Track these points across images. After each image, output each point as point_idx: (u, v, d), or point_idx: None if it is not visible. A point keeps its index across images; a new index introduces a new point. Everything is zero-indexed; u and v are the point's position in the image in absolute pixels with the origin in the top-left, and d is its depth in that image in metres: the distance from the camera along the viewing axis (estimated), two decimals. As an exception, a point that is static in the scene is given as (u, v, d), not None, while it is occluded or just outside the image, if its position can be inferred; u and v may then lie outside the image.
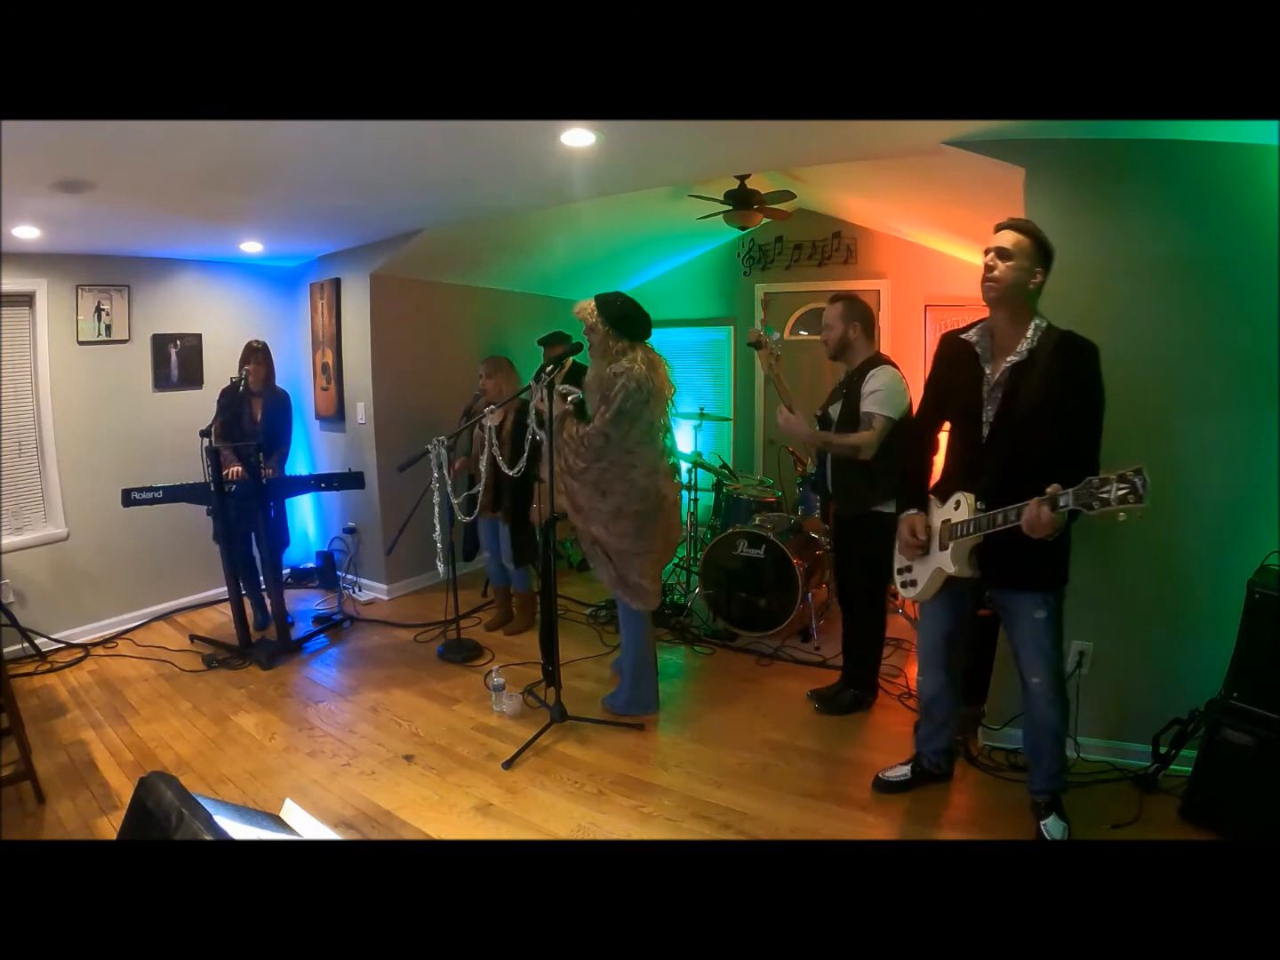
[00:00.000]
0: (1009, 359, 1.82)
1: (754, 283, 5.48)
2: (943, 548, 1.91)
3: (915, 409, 2.67)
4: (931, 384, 2.08)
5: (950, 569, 1.88)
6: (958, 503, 1.87)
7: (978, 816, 2.18)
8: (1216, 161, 2.11)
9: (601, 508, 2.67)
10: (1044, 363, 1.78)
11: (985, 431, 1.86)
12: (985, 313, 1.92)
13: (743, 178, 3.87)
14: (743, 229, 4.61)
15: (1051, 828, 1.98)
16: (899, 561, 2.11)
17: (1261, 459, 2.11)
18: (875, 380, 2.57)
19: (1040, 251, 1.79)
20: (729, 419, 5.47)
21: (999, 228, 1.83)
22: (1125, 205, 2.24)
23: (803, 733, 2.70)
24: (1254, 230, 2.06)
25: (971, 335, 1.93)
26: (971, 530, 1.81)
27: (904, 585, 2.10)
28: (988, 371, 1.86)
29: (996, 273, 1.79)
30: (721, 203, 4.06)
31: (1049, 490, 1.60)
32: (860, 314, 2.71)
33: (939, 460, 2.10)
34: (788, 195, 4.08)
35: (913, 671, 3.13)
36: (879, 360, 2.65)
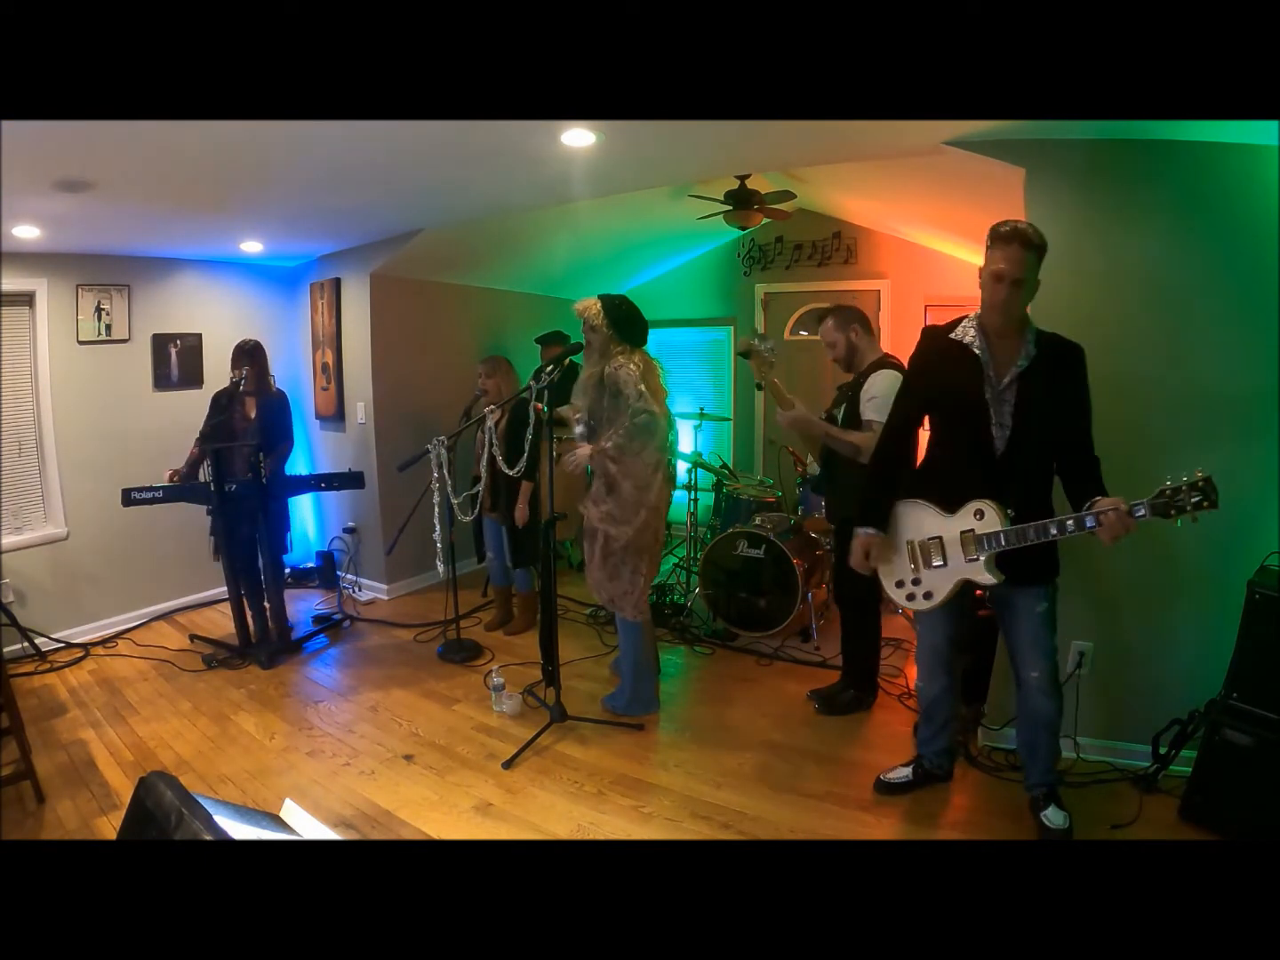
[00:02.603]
0: (1017, 364, 1.79)
1: (754, 283, 5.48)
2: (970, 559, 1.85)
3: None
4: (917, 385, 2.00)
5: (988, 580, 1.83)
6: (979, 512, 1.82)
7: (978, 816, 2.18)
8: (1216, 161, 2.11)
9: (611, 505, 2.67)
10: (1047, 368, 1.78)
11: (1000, 436, 1.82)
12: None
13: (743, 178, 3.87)
14: (743, 229, 4.60)
15: (1053, 817, 1.98)
16: (902, 573, 2.00)
17: (1262, 460, 2.11)
18: (874, 386, 2.55)
19: (1039, 257, 1.74)
20: (729, 419, 5.47)
21: (1000, 238, 1.74)
22: (1125, 205, 2.24)
23: (803, 733, 2.70)
24: (1254, 231, 2.06)
25: (965, 335, 1.86)
26: (1013, 541, 1.77)
27: (911, 598, 2.00)
28: (990, 374, 1.82)
29: (1012, 304, 1.75)
30: (721, 203, 4.06)
31: (1102, 502, 1.65)
32: (853, 316, 2.71)
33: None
34: (788, 195, 4.08)
35: (913, 672, 3.13)
36: (883, 362, 2.63)
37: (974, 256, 4.54)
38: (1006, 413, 1.81)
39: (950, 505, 1.88)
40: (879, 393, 2.53)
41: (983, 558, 1.82)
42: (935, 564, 1.92)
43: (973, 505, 1.83)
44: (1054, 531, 1.71)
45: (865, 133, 2.38)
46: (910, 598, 2.00)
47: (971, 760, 2.42)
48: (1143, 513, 1.61)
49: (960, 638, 2.12)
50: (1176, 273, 2.19)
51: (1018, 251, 1.71)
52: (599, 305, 2.64)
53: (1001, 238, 1.74)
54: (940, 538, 1.91)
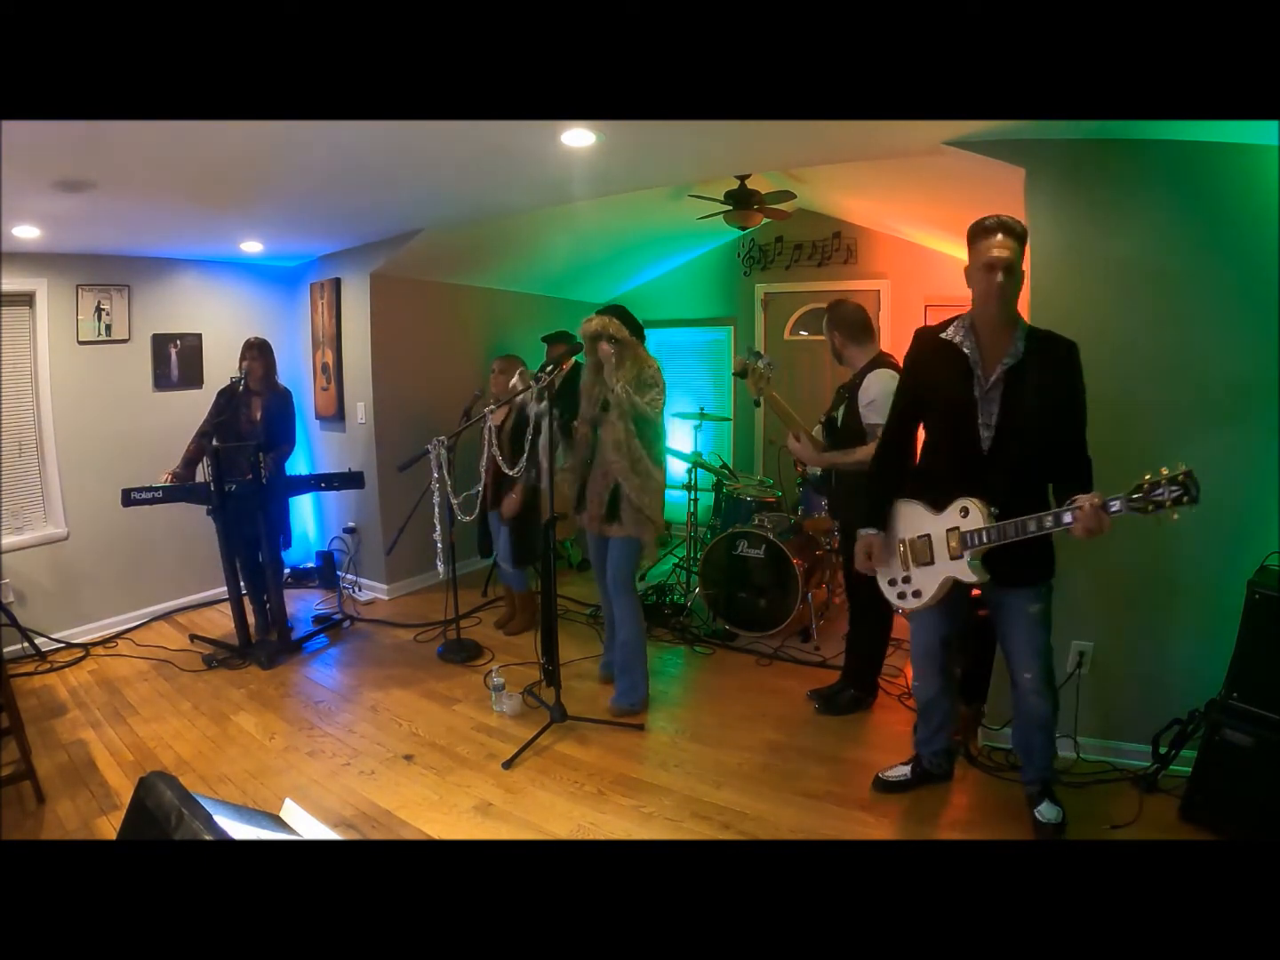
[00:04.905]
0: (1004, 361, 1.79)
1: (754, 283, 5.48)
2: (954, 557, 1.85)
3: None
4: (910, 386, 2.02)
5: (970, 578, 1.84)
6: (965, 510, 1.83)
7: (978, 816, 2.18)
8: (1216, 161, 2.11)
9: (648, 484, 2.71)
10: (1036, 365, 1.77)
11: (986, 435, 1.82)
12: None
13: (743, 178, 3.87)
14: (743, 229, 4.61)
15: (1045, 812, 2.00)
16: (894, 571, 2.03)
17: (1261, 460, 2.11)
18: (870, 389, 2.54)
19: (1023, 247, 1.75)
20: (729, 419, 5.47)
21: (985, 230, 1.74)
22: (1125, 205, 2.24)
23: (803, 733, 2.70)
24: (1254, 230, 2.06)
25: (954, 335, 1.87)
26: (995, 538, 1.77)
27: (902, 596, 2.02)
28: (978, 374, 1.82)
29: (1007, 293, 1.74)
30: (721, 203, 4.06)
31: (1080, 497, 1.61)
32: (837, 321, 2.70)
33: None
34: (788, 195, 4.08)
35: (912, 672, 3.14)
36: (878, 362, 2.62)
37: (974, 256, 4.55)
38: (993, 411, 1.81)
39: (940, 504, 1.89)
40: (876, 395, 2.52)
41: (967, 555, 1.83)
42: (924, 562, 1.94)
43: (959, 503, 1.84)
44: (1032, 528, 1.71)
45: (865, 133, 2.38)
46: (901, 596, 2.03)
47: (971, 760, 2.42)
48: (1117, 507, 1.58)
49: (955, 639, 2.11)
50: (1176, 272, 2.19)
51: (1006, 240, 1.72)
52: (615, 318, 2.66)
53: (986, 229, 1.75)
54: (929, 536, 1.92)
